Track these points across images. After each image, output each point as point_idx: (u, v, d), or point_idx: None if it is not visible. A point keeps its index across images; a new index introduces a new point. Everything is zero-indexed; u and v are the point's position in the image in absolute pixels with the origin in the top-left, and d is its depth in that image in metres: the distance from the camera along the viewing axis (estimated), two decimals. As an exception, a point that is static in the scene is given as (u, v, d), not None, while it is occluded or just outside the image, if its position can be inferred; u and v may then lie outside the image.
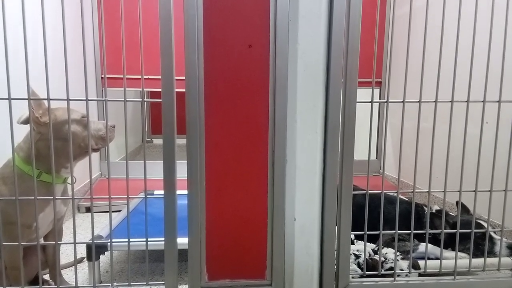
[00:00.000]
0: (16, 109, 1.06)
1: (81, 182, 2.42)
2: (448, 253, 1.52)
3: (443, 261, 1.25)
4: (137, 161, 2.93)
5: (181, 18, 1.04)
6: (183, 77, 1.04)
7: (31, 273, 1.28)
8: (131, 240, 1.16)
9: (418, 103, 1.14)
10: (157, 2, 1.02)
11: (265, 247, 1.13)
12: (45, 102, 1.11)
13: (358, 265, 1.36)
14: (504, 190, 1.21)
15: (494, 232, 1.55)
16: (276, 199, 1.11)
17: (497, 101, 1.17)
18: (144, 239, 1.15)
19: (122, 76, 2.74)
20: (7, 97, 1.00)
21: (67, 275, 1.48)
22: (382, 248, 1.44)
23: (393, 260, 1.35)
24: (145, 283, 1.18)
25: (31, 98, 1.05)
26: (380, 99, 3.03)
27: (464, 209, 1.68)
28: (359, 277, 1.21)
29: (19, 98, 1.04)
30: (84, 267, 1.56)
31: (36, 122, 1.13)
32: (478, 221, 1.55)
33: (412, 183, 2.26)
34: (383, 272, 1.25)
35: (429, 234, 1.20)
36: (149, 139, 5.11)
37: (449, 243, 1.55)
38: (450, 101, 1.15)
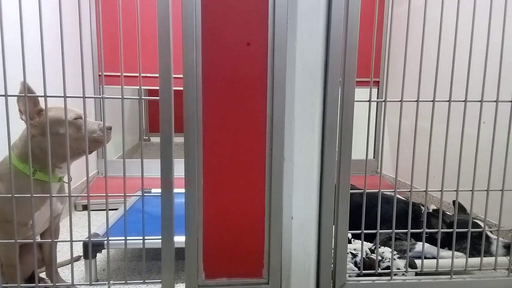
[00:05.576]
0: (11, 105, 1.05)
1: (78, 180, 2.41)
2: (444, 253, 1.52)
3: (440, 260, 1.25)
4: (134, 159, 2.92)
5: (179, 16, 1.04)
6: (181, 75, 1.04)
7: (28, 270, 1.28)
8: (128, 238, 1.15)
9: (416, 102, 1.14)
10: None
11: (262, 245, 1.13)
12: (40, 102, 1.10)
13: (355, 264, 1.37)
14: (501, 190, 1.21)
15: (491, 232, 1.56)
16: (273, 198, 1.11)
17: (495, 101, 1.17)
18: (141, 237, 1.15)
19: (119, 74, 2.74)
20: (3, 93, 1.00)
21: (64, 273, 1.47)
22: (379, 247, 1.44)
23: (390, 259, 1.35)
24: (141, 281, 1.18)
25: (28, 95, 1.04)
26: (378, 98, 3.04)
27: (461, 208, 1.68)
28: (356, 276, 1.21)
29: (16, 95, 1.04)
30: (80, 265, 1.55)
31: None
32: (475, 220, 1.55)
33: (410, 182, 2.27)
34: (380, 271, 1.25)
35: (426, 233, 1.21)
36: (147, 137, 5.10)
37: (446, 243, 1.56)
38: (448, 101, 1.15)
